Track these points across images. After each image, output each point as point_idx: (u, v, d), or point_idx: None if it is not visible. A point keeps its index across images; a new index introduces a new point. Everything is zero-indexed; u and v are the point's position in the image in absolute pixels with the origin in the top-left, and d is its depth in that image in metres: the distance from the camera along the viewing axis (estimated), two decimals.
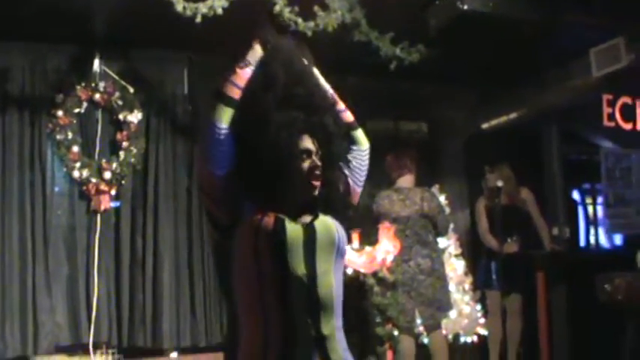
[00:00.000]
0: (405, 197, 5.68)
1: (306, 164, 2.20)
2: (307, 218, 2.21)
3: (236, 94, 2.19)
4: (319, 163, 2.21)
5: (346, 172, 2.40)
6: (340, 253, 2.23)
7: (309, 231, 2.16)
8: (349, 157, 2.43)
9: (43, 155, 6.09)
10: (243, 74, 2.22)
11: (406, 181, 5.78)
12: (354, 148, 2.45)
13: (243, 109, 2.17)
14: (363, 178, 2.46)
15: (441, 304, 5.63)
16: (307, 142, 2.22)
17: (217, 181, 2.14)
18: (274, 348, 2.05)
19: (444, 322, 6.02)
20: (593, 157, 7.58)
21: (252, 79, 2.22)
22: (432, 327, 5.62)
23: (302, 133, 2.21)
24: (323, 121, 2.26)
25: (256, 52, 2.28)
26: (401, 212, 5.62)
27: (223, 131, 2.13)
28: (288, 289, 2.08)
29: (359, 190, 2.45)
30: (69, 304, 6.11)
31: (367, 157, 2.48)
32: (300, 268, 2.10)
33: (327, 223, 2.22)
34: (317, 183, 2.21)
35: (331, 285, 2.15)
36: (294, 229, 2.13)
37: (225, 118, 2.14)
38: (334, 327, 2.14)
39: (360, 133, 2.48)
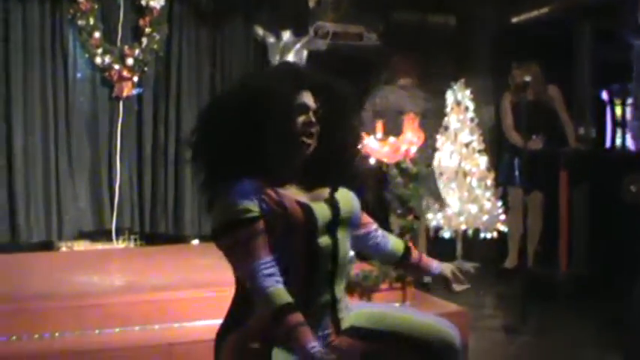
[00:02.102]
0: (412, 94, 5.79)
1: (300, 119, 2.13)
2: (324, 191, 2.19)
3: None
4: (313, 120, 2.14)
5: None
6: (355, 222, 2.27)
7: (334, 207, 2.16)
8: (369, 241, 2.41)
9: (64, 42, 6.04)
10: None
11: (408, 82, 5.88)
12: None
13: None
14: None
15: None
16: (305, 98, 2.15)
17: None
18: None
19: (463, 216, 6.27)
20: (625, 56, 7.39)
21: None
22: None
23: (301, 88, 2.15)
24: (328, 82, 2.21)
25: None
26: (414, 108, 5.64)
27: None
28: (314, 261, 2.09)
29: None
30: (92, 191, 6.19)
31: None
32: (325, 240, 2.11)
33: (347, 197, 2.23)
34: (308, 140, 2.13)
35: (347, 251, 2.19)
36: (322, 212, 2.11)
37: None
38: (343, 289, 2.19)
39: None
